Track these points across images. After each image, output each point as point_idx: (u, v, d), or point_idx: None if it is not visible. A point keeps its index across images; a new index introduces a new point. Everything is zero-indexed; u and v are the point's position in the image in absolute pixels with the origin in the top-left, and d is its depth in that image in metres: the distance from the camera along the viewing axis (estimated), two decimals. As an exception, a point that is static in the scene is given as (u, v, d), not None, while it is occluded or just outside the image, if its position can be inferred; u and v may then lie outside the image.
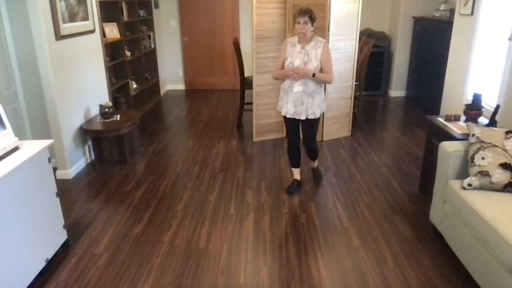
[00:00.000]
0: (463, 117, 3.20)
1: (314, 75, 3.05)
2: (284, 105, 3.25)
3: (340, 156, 4.27)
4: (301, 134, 3.36)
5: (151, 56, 6.46)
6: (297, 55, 3.11)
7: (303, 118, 3.20)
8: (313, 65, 3.07)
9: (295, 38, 3.17)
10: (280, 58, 3.25)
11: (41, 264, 2.43)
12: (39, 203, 2.43)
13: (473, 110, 3.12)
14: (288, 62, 3.14)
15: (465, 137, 2.74)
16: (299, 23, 3.03)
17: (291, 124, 3.33)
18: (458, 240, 2.45)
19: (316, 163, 3.63)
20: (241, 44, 6.58)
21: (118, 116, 4.19)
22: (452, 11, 4.99)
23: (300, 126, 3.33)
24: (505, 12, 3.82)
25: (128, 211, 3.21)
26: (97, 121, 4.10)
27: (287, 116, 3.26)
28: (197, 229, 2.96)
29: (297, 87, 3.12)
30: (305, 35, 3.05)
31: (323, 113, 3.46)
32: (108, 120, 4.08)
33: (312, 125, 3.28)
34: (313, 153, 3.48)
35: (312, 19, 3.03)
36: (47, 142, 2.51)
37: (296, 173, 3.55)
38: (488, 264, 2.12)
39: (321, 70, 3.12)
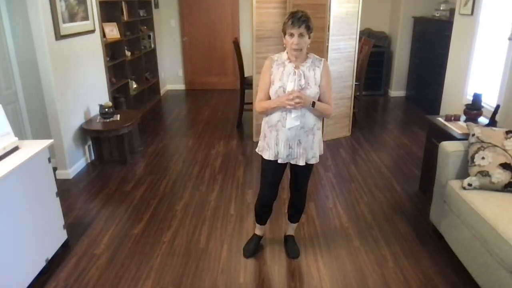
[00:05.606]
0: (463, 117, 3.20)
1: (314, 104, 2.21)
2: (272, 146, 2.31)
3: (340, 156, 4.27)
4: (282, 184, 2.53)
5: (151, 56, 6.46)
6: (289, 78, 2.21)
7: (301, 163, 2.32)
8: (313, 91, 2.22)
9: (283, 55, 2.29)
10: (265, 83, 2.30)
11: (41, 264, 2.43)
12: (39, 203, 2.43)
13: (473, 110, 3.12)
14: (277, 87, 2.23)
15: (465, 137, 2.74)
16: (291, 35, 2.14)
17: (278, 172, 2.42)
18: (458, 240, 2.45)
19: (295, 228, 2.77)
20: (241, 44, 6.57)
21: (118, 116, 4.19)
22: (452, 11, 4.99)
23: (292, 174, 2.48)
24: (505, 12, 3.81)
25: (128, 211, 3.21)
26: (97, 121, 4.10)
27: (278, 162, 2.34)
28: (197, 229, 2.96)
29: (292, 120, 2.22)
30: (301, 51, 2.20)
31: None
32: (108, 120, 4.08)
33: (309, 172, 2.46)
34: (300, 210, 2.65)
35: (310, 29, 2.16)
36: (47, 142, 2.51)
37: (260, 229, 2.75)
38: (488, 264, 2.13)
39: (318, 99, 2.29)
